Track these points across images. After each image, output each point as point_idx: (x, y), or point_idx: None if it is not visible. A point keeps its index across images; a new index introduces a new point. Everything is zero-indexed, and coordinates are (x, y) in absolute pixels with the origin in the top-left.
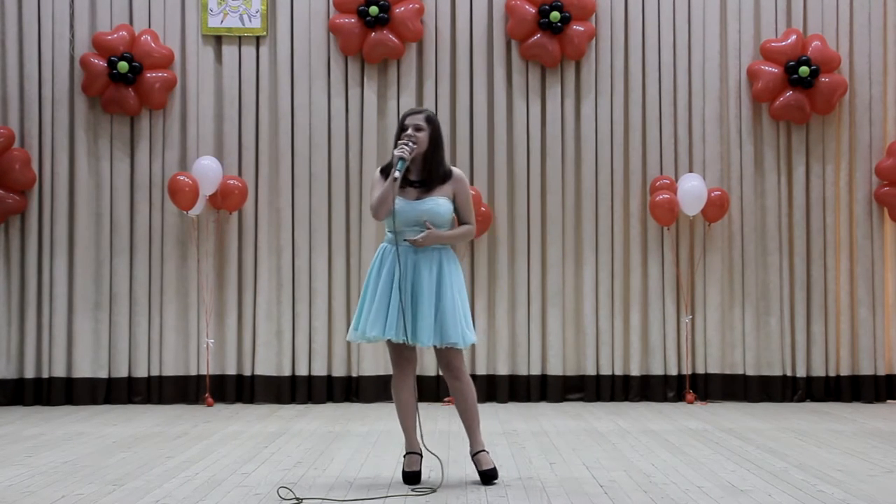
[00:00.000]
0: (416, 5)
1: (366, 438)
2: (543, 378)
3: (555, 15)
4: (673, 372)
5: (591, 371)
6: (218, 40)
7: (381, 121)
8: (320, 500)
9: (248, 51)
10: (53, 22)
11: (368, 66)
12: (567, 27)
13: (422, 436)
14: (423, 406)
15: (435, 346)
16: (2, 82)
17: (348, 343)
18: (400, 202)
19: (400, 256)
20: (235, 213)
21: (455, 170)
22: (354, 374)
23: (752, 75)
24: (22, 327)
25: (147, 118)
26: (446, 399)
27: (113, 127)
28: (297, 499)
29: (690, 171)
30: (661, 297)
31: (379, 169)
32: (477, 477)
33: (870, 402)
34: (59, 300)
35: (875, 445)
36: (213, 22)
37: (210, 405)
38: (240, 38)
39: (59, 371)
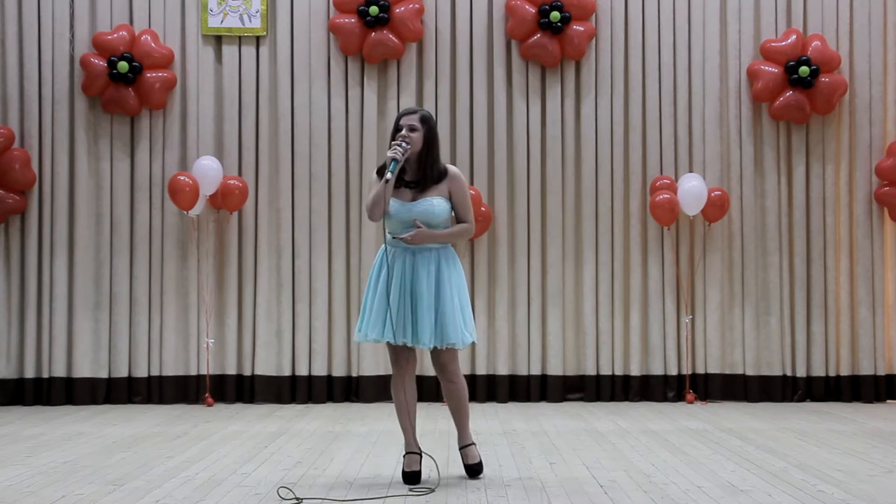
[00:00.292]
0: (416, 5)
1: (366, 438)
2: (543, 378)
3: (555, 15)
4: (673, 372)
5: (591, 371)
6: (218, 40)
7: (381, 121)
8: (320, 500)
9: (248, 51)
10: (53, 22)
11: (368, 66)
12: (567, 27)
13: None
14: (423, 406)
15: (405, 344)
16: (2, 82)
17: (348, 343)
18: (395, 204)
19: (396, 258)
20: (235, 213)
21: (451, 168)
22: (354, 375)
23: (752, 75)
24: (22, 327)
25: (147, 118)
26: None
27: (113, 127)
28: (297, 499)
29: (690, 171)
30: (661, 297)
31: (376, 170)
32: (473, 472)
33: (870, 402)
34: (59, 300)
35: (875, 445)
36: (213, 22)
37: (210, 405)
38: (240, 38)
39: (60, 371)
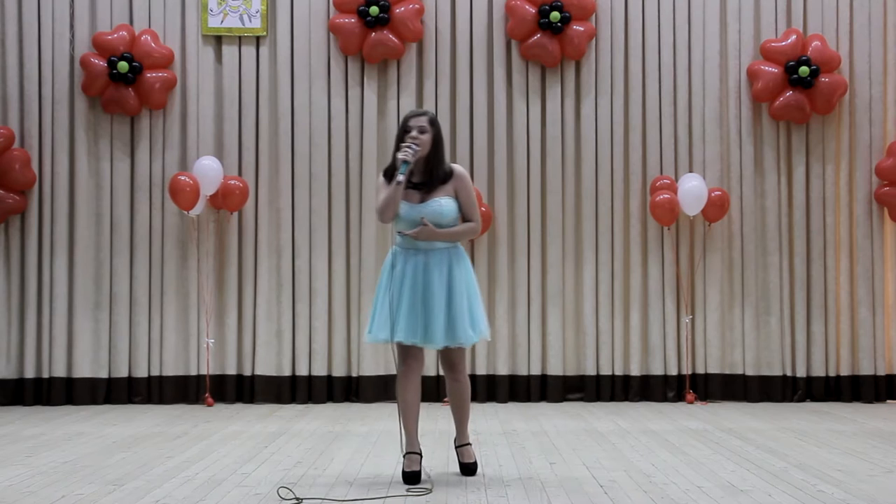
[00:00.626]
0: (416, 5)
1: (366, 438)
2: (543, 378)
3: (555, 15)
4: (673, 372)
5: (591, 371)
6: (218, 40)
7: (381, 121)
8: (320, 500)
9: (248, 51)
10: (53, 22)
11: (368, 66)
12: (567, 27)
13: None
14: (422, 406)
15: (416, 345)
16: (2, 82)
17: (348, 343)
18: (404, 206)
19: (408, 260)
20: (235, 213)
21: (456, 167)
22: (354, 375)
23: (752, 75)
24: (22, 327)
25: (147, 118)
26: (446, 399)
27: (113, 127)
28: (297, 499)
29: (690, 171)
30: (661, 297)
31: (381, 172)
32: (468, 470)
33: (870, 402)
34: (59, 300)
35: (875, 445)
36: (213, 22)
37: (210, 405)
38: (240, 38)
39: (60, 371)
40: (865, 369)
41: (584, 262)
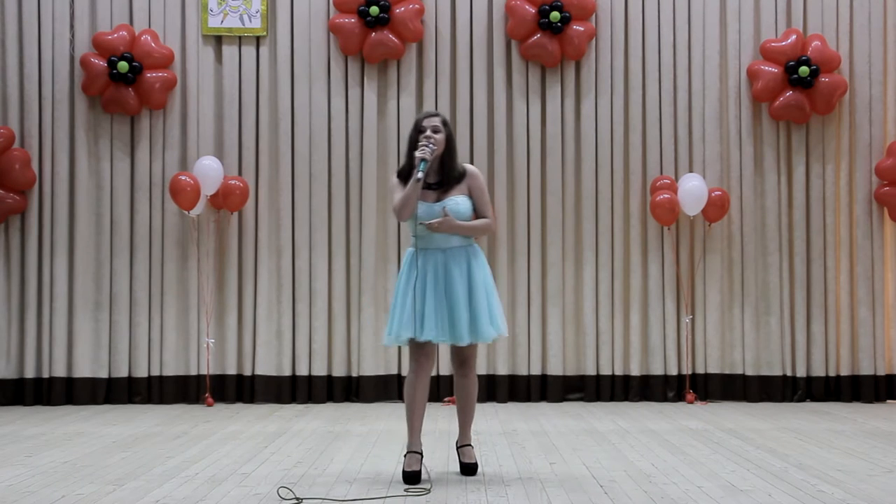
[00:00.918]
0: (416, 5)
1: (366, 438)
2: (543, 378)
3: (555, 15)
4: (673, 372)
5: (591, 371)
6: (218, 40)
7: (381, 121)
8: (320, 500)
9: (248, 51)
10: (53, 22)
11: (368, 66)
12: (567, 27)
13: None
14: None
15: (443, 343)
16: (2, 82)
17: (348, 343)
18: (421, 206)
19: (427, 259)
20: (235, 213)
21: (469, 167)
22: (354, 375)
23: (752, 75)
24: (22, 327)
25: (147, 118)
26: (446, 399)
27: (113, 127)
28: (297, 499)
29: (690, 171)
30: (661, 297)
31: (395, 173)
32: (468, 470)
33: (870, 402)
34: (59, 300)
35: (875, 445)
36: (214, 22)
37: (210, 405)
38: (240, 38)
39: (60, 371)
40: (865, 369)
41: (584, 262)
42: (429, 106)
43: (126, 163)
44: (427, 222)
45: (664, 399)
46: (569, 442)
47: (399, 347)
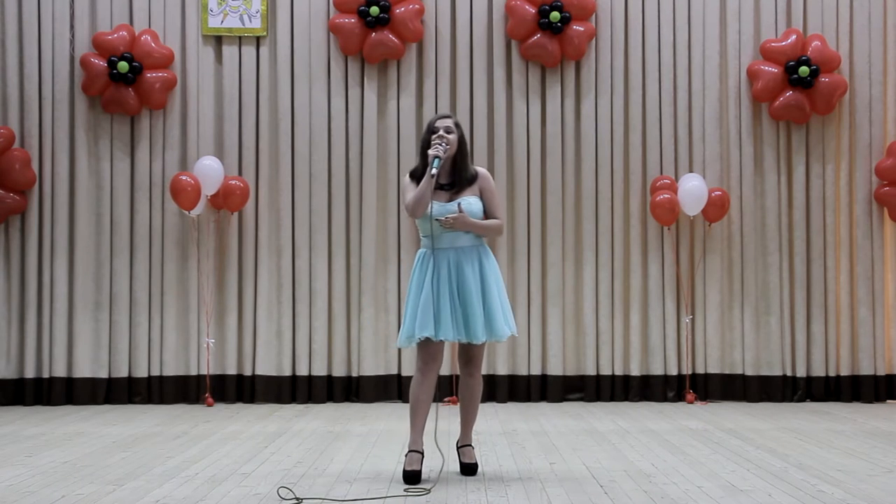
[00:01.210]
0: (417, 5)
1: (366, 438)
2: (543, 378)
3: (555, 15)
4: (673, 372)
5: (591, 371)
6: (218, 40)
7: (381, 121)
8: (320, 500)
9: (248, 51)
10: (53, 22)
11: (368, 66)
12: (567, 27)
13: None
14: None
15: (460, 342)
16: (2, 82)
17: (348, 343)
18: (434, 206)
19: (440, 259)
20: (235, 213)
21: (480, 169)
22: (354, 375)
23: (752, 75)
24: (22, 327)
25: (147, 118)
26: (447, 399)
27: (113, 127)
28: (297, 499)
29: (690, 171)
30: (661, 297)
31: (408, 173)
32: (468, 470)
33: (870, 402)
34: (59, 300)
35: (875, 445)
36: (214, 22)
37: (210, 405)
38: (240, 38)
39: (60, 371)
40: (865, 369)
41: (584, 262)
42: (429, 106)
43: (126, 163)
44: (444, 218)
45: (664, 399)
46: (569, 442)
47: (399, 348)
